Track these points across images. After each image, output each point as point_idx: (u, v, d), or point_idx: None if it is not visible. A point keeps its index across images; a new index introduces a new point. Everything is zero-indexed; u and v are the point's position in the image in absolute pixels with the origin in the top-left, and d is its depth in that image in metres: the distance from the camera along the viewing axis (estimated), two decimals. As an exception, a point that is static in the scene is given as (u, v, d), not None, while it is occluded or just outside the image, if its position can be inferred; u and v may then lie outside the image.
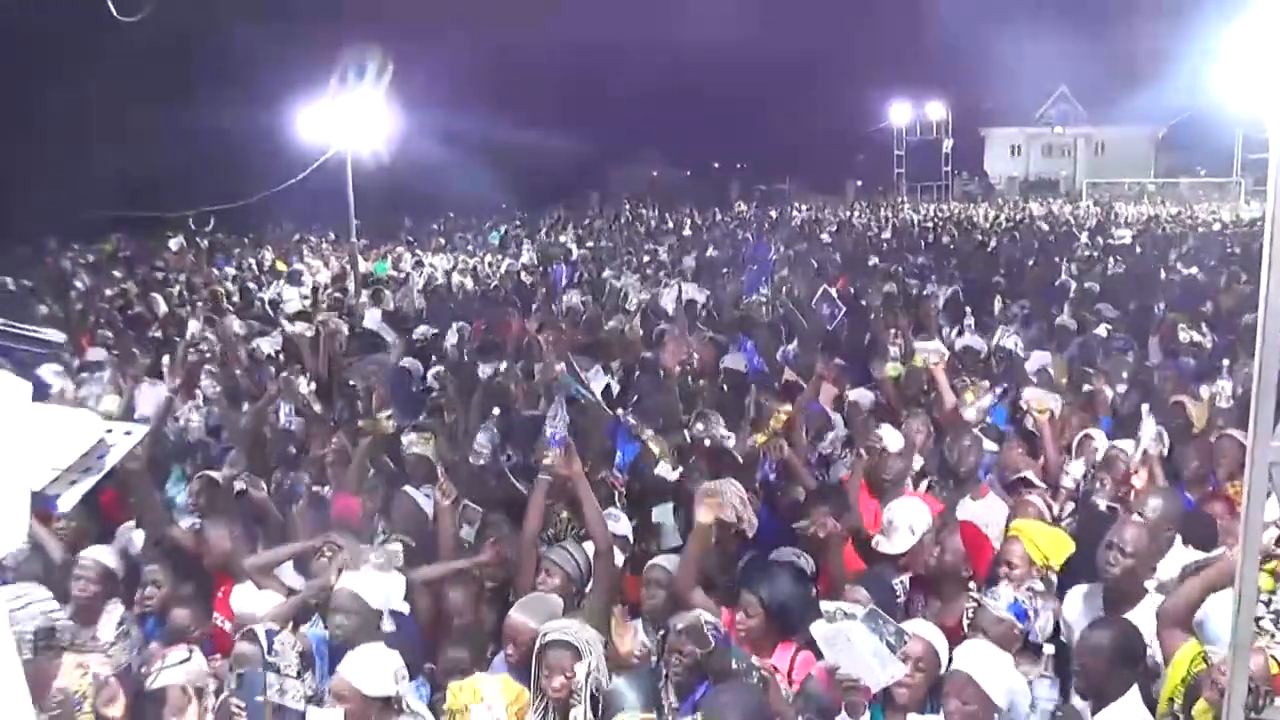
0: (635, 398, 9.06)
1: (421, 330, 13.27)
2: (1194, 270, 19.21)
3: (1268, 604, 4.75)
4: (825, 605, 4.54)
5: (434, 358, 11.44)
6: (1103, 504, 6.35)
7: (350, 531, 6.08)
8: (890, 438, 7.03)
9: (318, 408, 9.26)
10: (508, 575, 5.95)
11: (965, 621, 5.14)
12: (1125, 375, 9.38)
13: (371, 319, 14.45)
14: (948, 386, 8.03)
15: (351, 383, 9.79)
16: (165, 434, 8.42)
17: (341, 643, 4.97)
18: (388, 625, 5.19)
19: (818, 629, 4.46)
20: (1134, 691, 4.47)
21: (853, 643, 4.31)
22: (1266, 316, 3.11)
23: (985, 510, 6.45)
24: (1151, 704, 4.51)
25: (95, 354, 11.62)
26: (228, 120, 35.92)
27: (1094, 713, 4.49)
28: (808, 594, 5.30)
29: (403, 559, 5.51)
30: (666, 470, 7.17)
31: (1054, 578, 5.69)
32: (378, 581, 5.20)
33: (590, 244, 29.43)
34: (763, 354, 10.71)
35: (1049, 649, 4.49)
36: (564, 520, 6.46)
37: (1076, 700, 4.71)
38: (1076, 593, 5.43)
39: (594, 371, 9.06)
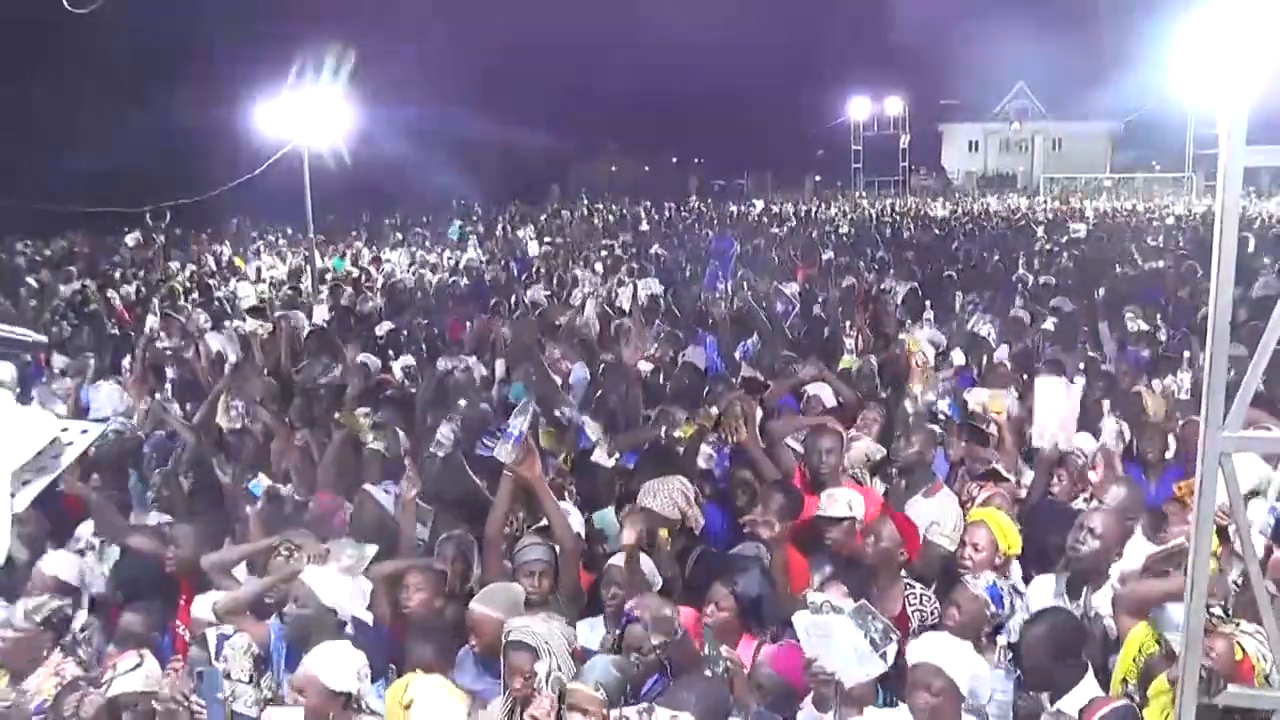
0: (598, 395, 9.05)
1: (381, 327, 13.21)
2: (1155, 264, 19.38)
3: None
4: (812, 596, 4.54)
5: (391, 353, 11.38)
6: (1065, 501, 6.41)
7: (316, 530, 6.03)
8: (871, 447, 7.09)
9: (275, 406, 9.17)
10: (465, 571, 5.93)
11: (909, 609, 5.19)
12: (1081, 367, 9.46)
13: (319, 315, 14.37)
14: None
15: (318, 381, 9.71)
16: (123, 433, 8.35)
17: (294, 634, 4.96)
18: (348, 628, 5.15)
19: (800, 619, 4.43)
20: (1089, 678, 4.53)
21: (835, 637, 4.30)
22: (1217, 308, 3.16)
23: (938, 507, 6.46)
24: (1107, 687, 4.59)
25: (55, 357, 11.49)
26: (184, 115, 35.68)
27: (1051, 703, 4.54)
28: (771, 590, 5.33)
29: (368, 562, 5.41)
30: (602, 457, 7.16)
31: (1017, 571, 5.77)
32: (338, 582, 5.15)
33: (549, 239, 29.35)
34: (723, 350, 10.72)
35: (1002, 639, 4.53)
36: (520, 519, 6.45)
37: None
38: (1038, 584, 5.49)
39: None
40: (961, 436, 7.19)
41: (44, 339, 9.91)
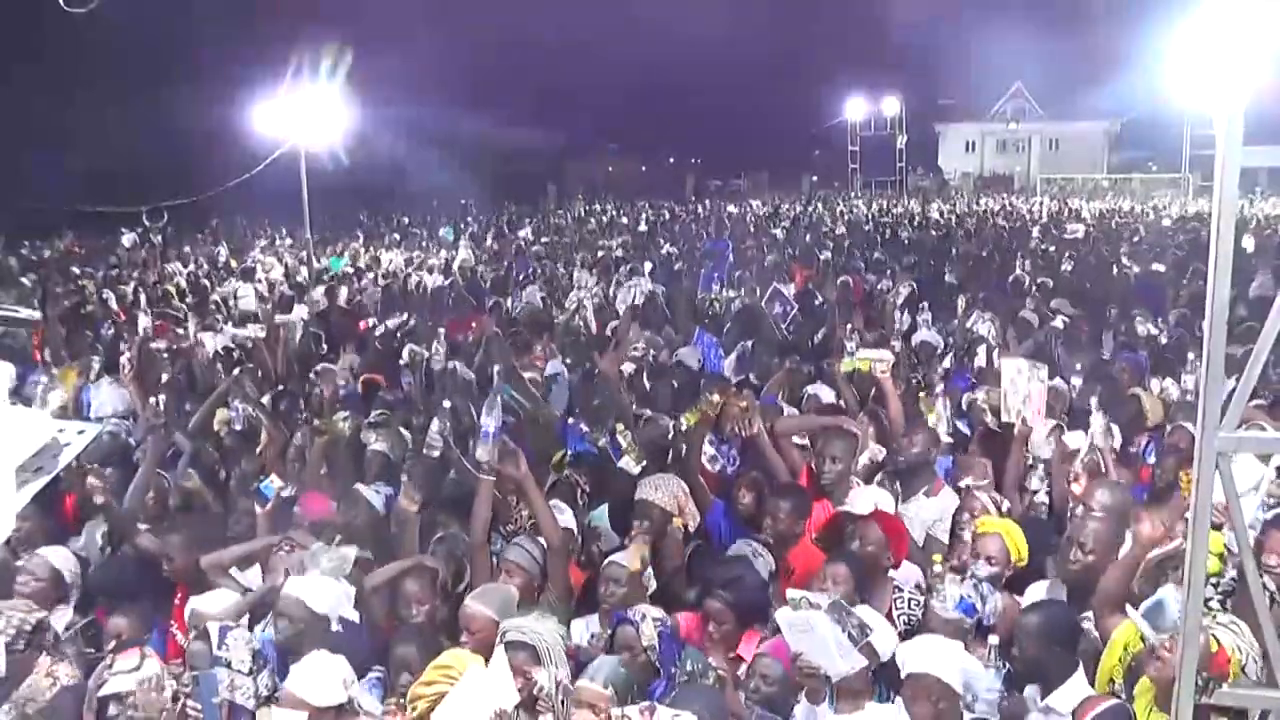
0: (587, 395, 9.06)
1: (379, 328, 13.18)
2: (1154, 266, 19.33)
3: (1216, 585, 4.82)
4: (791, 592, 4.62)
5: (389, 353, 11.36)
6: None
7: (313, 531, 6.01)
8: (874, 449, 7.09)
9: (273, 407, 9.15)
10: (459, 570, 5.93)
11: (894, 611, 5.20)
12: (1079, 369, 9.44)
13: (300, 312, 14.36)
14: (895, 395, 7.76)
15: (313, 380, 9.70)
16: (119, 434, 8.35)
17: (285, 646, 4.94)
18: (334, 627, 5.12)
19: (782, 615, 4.50)
20: (1079, 674, 4.55)
21: (815, 631, 4.36)
22: (1214, 309, 3.16)
23: (940, 506, 6.46)
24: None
25: (48, 353, 11.47)
26: (181, 115, 35.61)
27: (1043, 697, 4.55)
28: (767, 584, 5.34)
29: (352, 565, 5.38)
30: (630, 464, 7.15)
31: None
32: (325, 587, 5.13)
33: (546, 239, 29.31)
34: (724, 351, 10.68)
35: (994, 639, 4.54)
36: (525, 516, 6.45)
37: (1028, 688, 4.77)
38: (1038, 589, 5.46)
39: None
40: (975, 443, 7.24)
41: (37, 313, 9.94)
